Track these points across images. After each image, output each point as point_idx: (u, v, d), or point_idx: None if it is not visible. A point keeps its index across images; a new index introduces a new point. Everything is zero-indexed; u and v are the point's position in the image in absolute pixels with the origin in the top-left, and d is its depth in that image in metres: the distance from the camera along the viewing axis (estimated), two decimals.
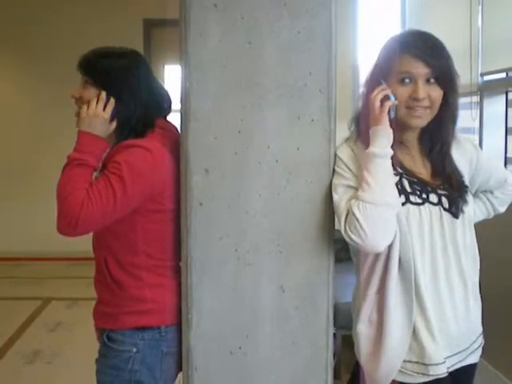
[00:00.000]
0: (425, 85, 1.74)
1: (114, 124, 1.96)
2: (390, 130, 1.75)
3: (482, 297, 1.93)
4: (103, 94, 1.94)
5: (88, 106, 1.93)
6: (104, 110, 1.93)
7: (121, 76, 1.97)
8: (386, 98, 1.76)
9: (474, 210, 1.95)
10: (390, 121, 1.76)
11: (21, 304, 5.63)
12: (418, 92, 1.72)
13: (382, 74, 1.80)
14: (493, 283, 2.26)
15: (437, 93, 1.75)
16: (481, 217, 2.08)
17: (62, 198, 1.82)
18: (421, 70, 1.73)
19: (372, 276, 1.82)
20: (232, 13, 1.83)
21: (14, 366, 4.23)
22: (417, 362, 1.80)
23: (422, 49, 1.72)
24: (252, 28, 1.83)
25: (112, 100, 1.94)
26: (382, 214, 1.69)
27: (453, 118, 1.83)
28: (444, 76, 1.74)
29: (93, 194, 1.80)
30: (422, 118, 1.77)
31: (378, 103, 1.76)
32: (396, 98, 1.75)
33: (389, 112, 1.76)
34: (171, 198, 1.94)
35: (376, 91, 1.77)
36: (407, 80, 1.75)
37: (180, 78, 1.88)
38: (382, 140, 1.74)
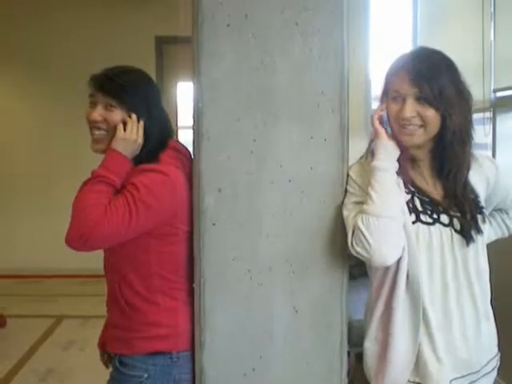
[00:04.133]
0: (415, 104, 1.72)
1: (140, 146, 1.95)
2: (391, 144, 1.77)
3: (495, 313, 1.90)
4: (134, 117, 1.93)
5: (124, 129, 1.91)
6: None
7: (144, 96, 1.96)
8: (381, 117, 1.81)
9: (488, 232, 1.93)
10: (390, 136, 1.79)
11: (34, 322, 5.62)
12: (403, 110, 1.73)
13: (384, 92, 1.82)
14: (507, 299, 2.23)
15: (429, 113, 1.72)
16: (494, 237, 2.06)
17: (79, 210, 1.80)
18: (408, 89, 1.72)
19: (380, 292, 1.82)
20: (244, 32, 1.83)
21: None
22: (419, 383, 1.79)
23: (413, 69, 1.72)
24: (264, 47, 1.84)
25: (141, 123, 1.94)
26: (384, 225, 1.69)
27: (459, 142, 1.78)
28: (434, 98, 1.71)
29: (110, 211, 1.79)
30: (414, 136, 1.76)
31: (375, 121, 1.80)
32: (388, 118, 1.79)
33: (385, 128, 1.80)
34: (185, 221, 1.93)
35: (376, 110, 1.81)
36: (398, 98, 1.75)
37: (192, 98, 1.88)
38: (381, 153, 1.76)
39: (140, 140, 1.93)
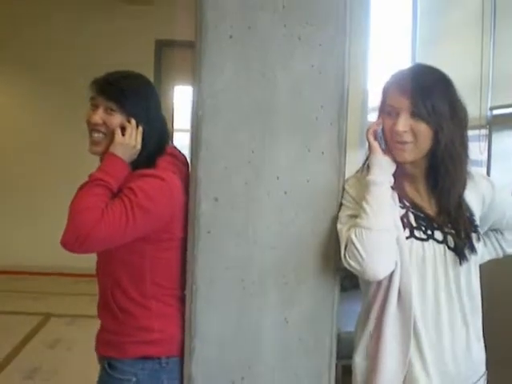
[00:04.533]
0: (409, 119, 1.73)
1: (138, 151, 1.96)
2: (386, 159, 1.78)
3: (483, 332, 1.91)
4: (133, 122, 1.94)
5: (122, 133, 1.92)
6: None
7: (144, 101, 1.98)
8: (375, 131, 1.81)
9: (482, 251, 1.94)
10: (385, 150, 1.80)
11: (21, 319, 5.60)
12: (397, 124, 1.73)
13: (381, 107, 1.83)
14: (495, 318, 2.24)
15: (422, 128, 1.72)
16: (487, 257, 2.05)
17: (76, 212, 1.80)
18: (402, 104, 1.73)
19: (372, 307, 1.82)
20: (246, 44, 1.84)
21: (12, 383, 4.21)
22: None
23: (407, 84, 1.73)
24: (266, 60, 1.85)
25: (140, 128, 1.95)
26: (378, 239, 1.70)
27: (451, 159, 1.77)
28: (428, 113, 1.72)
29: (107, 215, 1.79)
30: (406, 152, 1.76)
31: (370, 136, 1.81)
32: (383, 132, 1.80)
33: (379, 143, 1.80)
34: (181, 227, 1.94)
35: (372, 125, 1.82)
36: (392, 113, 1.76)
37: (192, 106, 1.89)
38: (376, 167, 1.78)
39: (138, 146, 1.94)
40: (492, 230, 2.03)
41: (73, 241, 1.77)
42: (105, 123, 1.95)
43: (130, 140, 1.92)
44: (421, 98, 1.71)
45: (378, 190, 1.76)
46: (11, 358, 4.65)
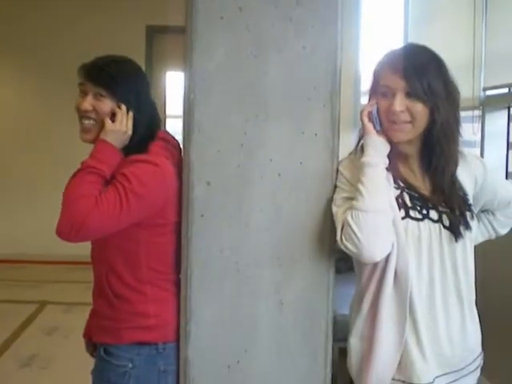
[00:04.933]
0: (405, 99, 1.73)
1: (129, 137, 1.95)
2: (381, 140, 1.78)
3: (479, 313, 1.92)
4: (124, 108, 1.92)
5: (112, 119, 1.91)
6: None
7: (135, 86, 1.96)
8: (370, 113, 1.80)
9: (476, 232, 1.94)
10: (379, 132, 1.79)
11: (17, 307, 5.61)
12: (393, 104, 1.73)
13: (373, 88, 1.83)
14: (490, 299, 2.25)
15: (418, 108, 1.73)
16: (481, 239, 2.06)
17: (69, 201, 1.79)
18: (397, 84, 1.73)
19: (368, 288, 1.82)
20: (238, 26, 1.83)
21: (8, 370, 4.22)
22: (404, 382, 1.80)
23: (402, 64, 1.73)
24: (257, 41, 1.83)
25: (131, 114, 1.93)
26: (374, 221, 1.70)
27: (446, 137, 1.79)
28: (424, 92, 1.72)
29: (101, 202, 1.78)
30: (403, 132, 1.76)
31: (364, 117, 1.80)
32: (379, 113, 1.79)
33: (374, 123, 1.79)
34: (174, 212, 1.93)
35: (366, 106, 1.81)
36: (387, 94, 1.76)
37: (183, 89, 1.88)
38: (371, 149, 1.77)
39: (129, 131, 1.93)
40: (483, 212, 2.04)
41: (68, 230, 1.77)
42: (95, 109, 1.93)
43: (120, 126, 1.91)
44: (417, 78, 1.71)
45: (373, 171, 1.75)
46: (8, 346, 4.67)
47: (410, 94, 1.72)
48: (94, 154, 1.89)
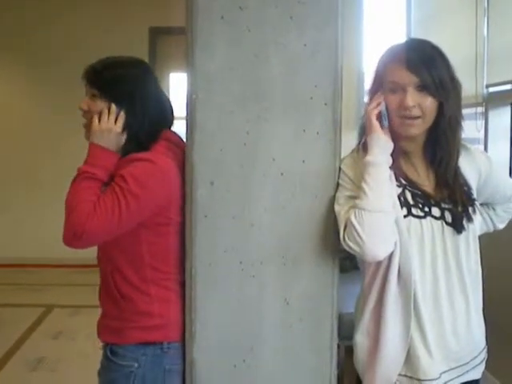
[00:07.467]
0: (415, 94, 1.73)
1: (125, 137, 1.95)
2: (385, 138, 1.77)
3: (483, 308, 1.92)
4: (113, 107, 1.93)
5: (99, 119, 1.93)
6: (115, 122, 1.93)
7: (130, 88, 1.97)
8: (379, 109, 1.79)
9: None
10: (384, 130, 1.78)
11: (24, 311, 5.62)
12: (405, 100, 1.72)
13: (378, 84, 1.82)
14: (493, 292, 2.24)
15: (428, 102, 1.73)
16: (479, 232, 2.05)
17: (69, 210, 1.82)
18: (408, 79, 1.72)
19: (372, 286, 1.82)
20: (239, 25, 1.83)
21: (17, 374, 4.24)
22: (411, 377, 1.80)
23: (411, 58, 1.72)
24: (258, 41, 1.84)
25: (122, 113, 1.94)
26: (377, 220, 1.70)
27: (452, 130, 1.80)
28: (435, 86, 1.72)
29: (99, 207, 1.80)
30: (415, 127, 1.76)
31: (372, 115, 1.78)
32: (387, 109, 1.77)
33: (381, 121, 1.78)
34: (177, 211, 1.94)
35: (372, 103, 1.80)
36: (396, 89, 1.75)
37: (186, 89, 1.88)
38: (374, 148, 1.76)
39: (117, 129, 1.93)
40: (483, 205, 2.04)
41: (71, 238, 1.81)
42: (90, 109, 1.98)
43: (105, 125, 1.92)
44: (427, 71, 1.72)
45: (377, 170, 1.75)
46: (16, 350, 4.67)
47: (420, 88, 1.72)
48: (86, 159, 1.92)
